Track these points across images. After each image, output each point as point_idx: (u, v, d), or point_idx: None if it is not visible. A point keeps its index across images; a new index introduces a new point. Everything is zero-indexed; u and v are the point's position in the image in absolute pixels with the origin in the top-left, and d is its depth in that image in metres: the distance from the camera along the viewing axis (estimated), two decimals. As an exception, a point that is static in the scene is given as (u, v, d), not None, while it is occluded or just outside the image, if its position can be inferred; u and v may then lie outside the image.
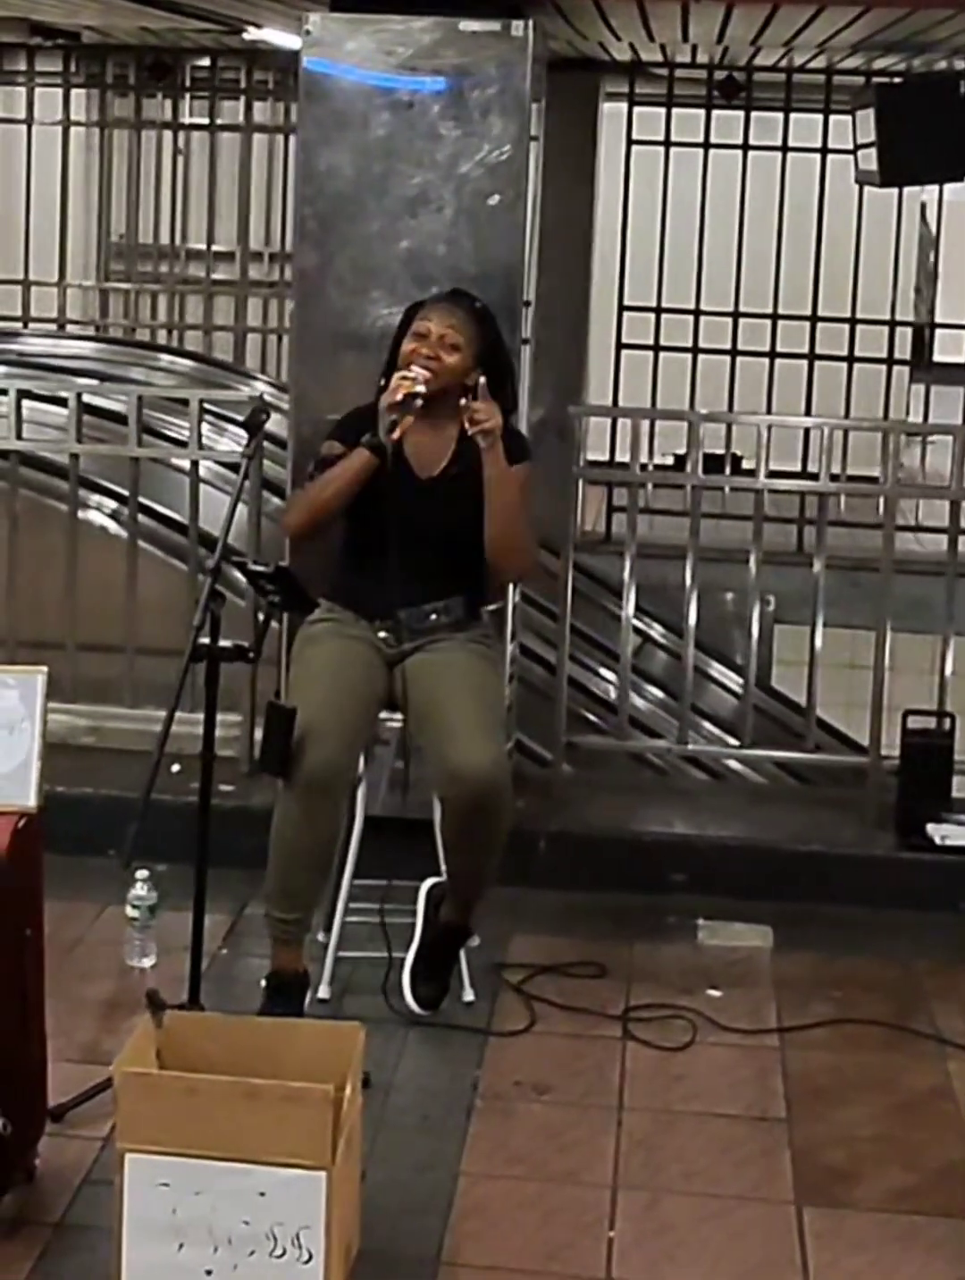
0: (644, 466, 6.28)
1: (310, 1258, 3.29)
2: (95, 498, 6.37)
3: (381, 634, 4.64)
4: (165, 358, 9.45)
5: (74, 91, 11.13)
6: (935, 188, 10.06)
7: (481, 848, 4.48)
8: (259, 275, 11.28)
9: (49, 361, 8.25)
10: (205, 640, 4.14)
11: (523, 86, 5.21)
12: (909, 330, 10.91)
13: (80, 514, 6.04)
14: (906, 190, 9.57)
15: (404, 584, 4.56)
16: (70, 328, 10.99)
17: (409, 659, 4.62)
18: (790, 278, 10.03)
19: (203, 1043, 3.56)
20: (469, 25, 5.20)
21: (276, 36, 8.67)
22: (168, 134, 11.19)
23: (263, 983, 4.53)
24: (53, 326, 10.97)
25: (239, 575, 4.78)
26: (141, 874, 4.77)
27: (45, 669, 3.70)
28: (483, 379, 4.55)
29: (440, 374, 4.54)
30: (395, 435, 4.50)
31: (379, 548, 4.56)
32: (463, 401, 4.48)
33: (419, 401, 4.49)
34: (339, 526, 4.71)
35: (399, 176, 5.27)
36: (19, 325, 10.81)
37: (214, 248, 11.19)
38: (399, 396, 4.48)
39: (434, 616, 4.64)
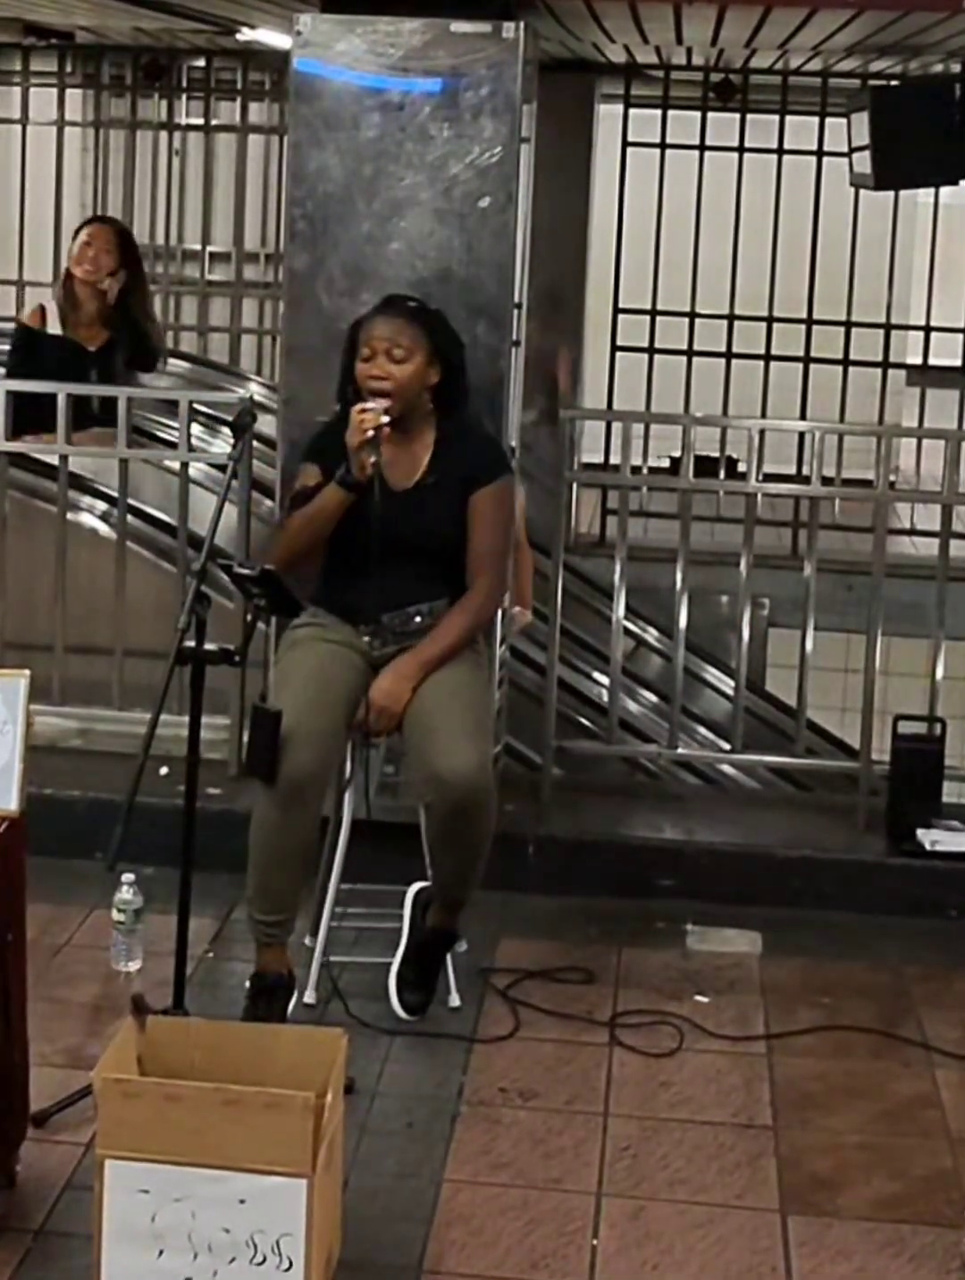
0: (638, 469, 6.26)
1: (291, 1265, 3.28)
2: (85, 499, 6.35)
3: (365, 638, 4.64)
4: (159, 359, 9.40)
5: (69, 91, 11.08)
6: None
7: (466, 852, 4.47)
8: (254, 276, 11.24)
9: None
10: (190, 643, 4.12)
11: (514, 88, 5.19)
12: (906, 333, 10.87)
13: (70, 516, 6.02)
14: (902, 193, 9.55)
15: (386, 590, 4.59)
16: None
17: (392, 663, 4.61)
18: (786, 281, 10.01)
19: (184, 1048, 3.55)
20: (460, 26, 5.18)
21: (269, 37, 8.64)
22: (163, 134, 11.15)
23: (246, 984, 4.52)
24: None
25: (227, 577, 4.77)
26: (127, 877, 4.76)
27: (27, 673, 3.69)
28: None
29: (396, 389, 4.55)
30: (367, 472, 4.51)
31: (359, 557, 4.59)
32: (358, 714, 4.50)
33: (385, 430, 4.50)
34: None
35: (389, 178, 5.25)
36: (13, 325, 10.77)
37: (209, 249, 11.16)
38: (368, 434, 4.48)
39: (418, 618, 4.64)
